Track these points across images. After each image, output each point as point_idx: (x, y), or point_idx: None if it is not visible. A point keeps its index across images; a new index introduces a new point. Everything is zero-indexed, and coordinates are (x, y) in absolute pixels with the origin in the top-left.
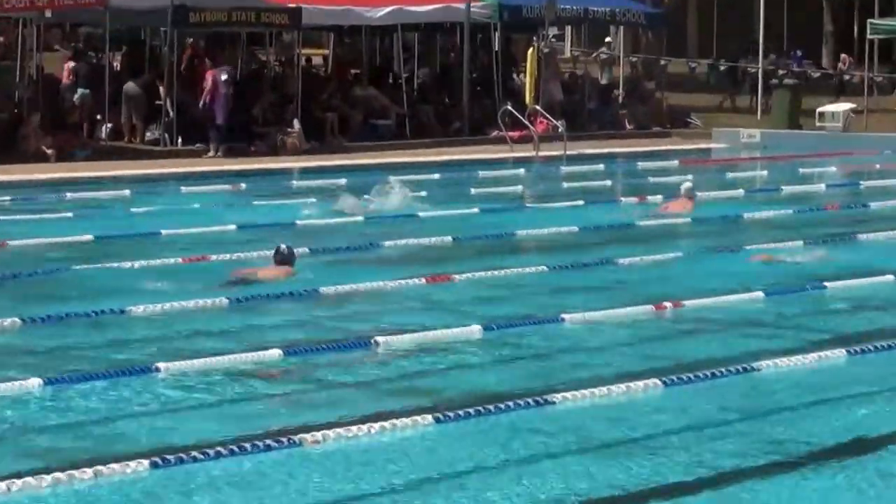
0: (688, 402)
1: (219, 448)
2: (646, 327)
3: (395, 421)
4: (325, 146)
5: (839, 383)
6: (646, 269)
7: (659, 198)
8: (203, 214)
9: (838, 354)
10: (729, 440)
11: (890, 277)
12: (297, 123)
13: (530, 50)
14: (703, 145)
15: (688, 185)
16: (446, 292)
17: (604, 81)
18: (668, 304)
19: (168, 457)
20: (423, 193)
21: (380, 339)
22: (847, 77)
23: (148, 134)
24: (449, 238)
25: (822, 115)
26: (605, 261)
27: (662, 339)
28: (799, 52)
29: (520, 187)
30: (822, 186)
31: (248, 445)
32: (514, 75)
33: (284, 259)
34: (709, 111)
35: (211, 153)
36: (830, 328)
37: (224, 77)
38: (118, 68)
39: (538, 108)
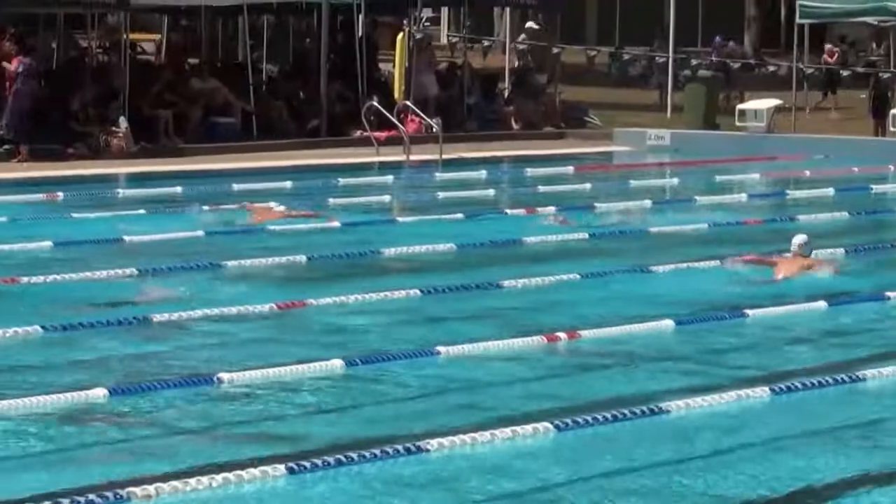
0: (584, 449)
1: None
2: (535, 362)
3: (241, 472)
4: (158, 148)
5: (762, 426)
6: (536, 294)
7: None
8: (11, 229)
9: (760, 393)
10: (632, 494)
11: (821, 304)
12: (123, 122)
13: (400, 36)
14: (603, 148)
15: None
16: (301, 321)
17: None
18: (561, 335)
19: None
20: (274, 204)
21: (224, 375)
22: (773, 67)
23: None
24: (303, 257)
25: (742, 113)
26: (488, 284)
27: (555, 375)
28: (718, 38)
29: (387, 197)
30: (743, 197)
31: (65, 502)
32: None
33: None
34: (610, 108)
35: (21, 157)
36: (752, 363)
37: (20, 69)
38: None
39: (409, 104)
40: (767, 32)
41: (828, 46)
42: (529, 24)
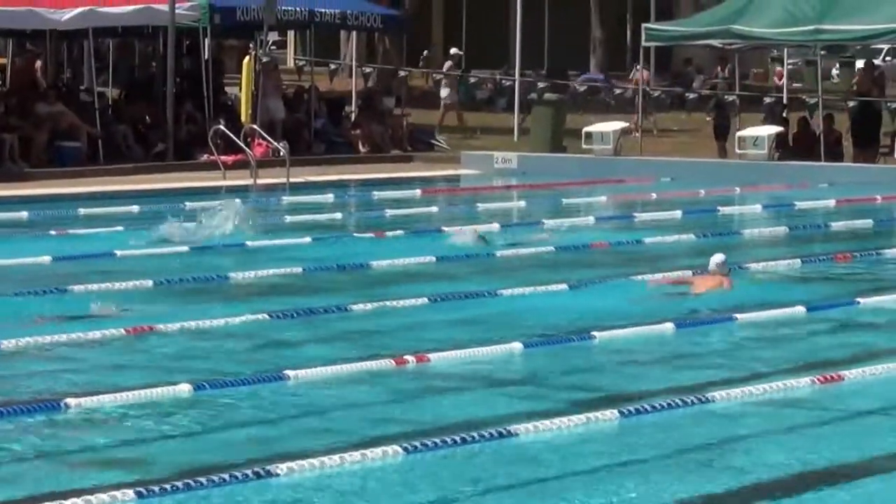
0: (433, 472)
1: None
2: (384, 385)
3: (89, 496)
4: (3, 173)
5: (610, 450)
6: (385, 318)
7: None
8: None
9: (609, 416)
10: None
11: (668, 326)
12: None
13: (246, 59)
14: (450, 171)
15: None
16: (149, 345)
17: (448, 100)
18: (410, 359)
19: None
20: (119, 228)
21: (71, 400)
22: (619, 91)
23: None
24: (150, 281)
25: (589, 135)
26: (337, 307)
27: (404, 398)
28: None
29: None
30: (590, 219)
31: None
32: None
33: None
34: (457, 132)
35: None
36: (600, 386)
37: None
38: None
39: (256, 127)
40: (613, 54)
41: (778, 69)
42: (454, 50)
